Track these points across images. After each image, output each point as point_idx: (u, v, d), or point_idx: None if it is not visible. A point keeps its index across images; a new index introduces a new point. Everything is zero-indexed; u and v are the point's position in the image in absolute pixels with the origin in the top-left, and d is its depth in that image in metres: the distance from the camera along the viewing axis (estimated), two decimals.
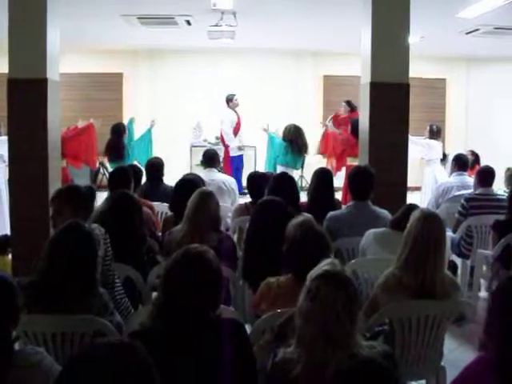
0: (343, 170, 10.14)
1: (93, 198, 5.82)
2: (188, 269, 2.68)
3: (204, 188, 5.02)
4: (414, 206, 4.48)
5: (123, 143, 10.19)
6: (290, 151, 10.41)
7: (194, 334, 2.63)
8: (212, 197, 4.76)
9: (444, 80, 15.45)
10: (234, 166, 12.57)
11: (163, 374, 2.14)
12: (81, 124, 10.26)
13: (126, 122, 12.97)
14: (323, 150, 11.54)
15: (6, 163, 8.53)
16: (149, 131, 10.97)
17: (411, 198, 6.42)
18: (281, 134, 10.94)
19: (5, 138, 7.62)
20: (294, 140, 10.46)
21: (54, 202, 4.30)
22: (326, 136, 11.38)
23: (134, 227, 4.71)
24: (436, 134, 10.64)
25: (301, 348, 2.60)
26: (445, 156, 12.49)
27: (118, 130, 10.28)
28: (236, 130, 12.78)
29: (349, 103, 11.37)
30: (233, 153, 12.78)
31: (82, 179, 12.02)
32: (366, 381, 2.08)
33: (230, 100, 12.77)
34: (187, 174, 6.19)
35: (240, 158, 13.00)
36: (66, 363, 1.95)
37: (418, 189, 10.85)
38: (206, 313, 2.68)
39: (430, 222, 3.68)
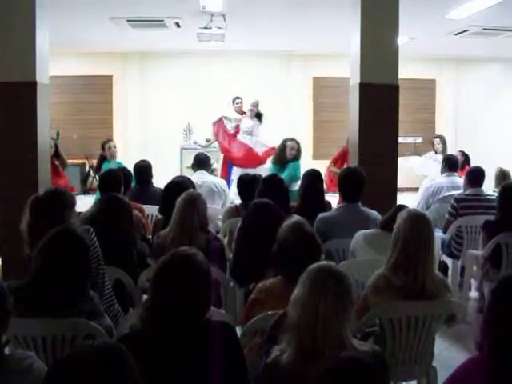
0: None
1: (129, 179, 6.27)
2: (177, 271, 2.67)
3: (190, 190, 5.01)
4: (403, 207, 4.49)
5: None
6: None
7: (184, 336, 2.62)
8: (199, 198, 4.76)
9: (434, 81, 15.48)
10: (230, 167, 12.25)
11: (153, 377, 2.15)
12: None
13: (115, 123, 13.00)
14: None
15: None
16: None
17: (401, 199, 6.43)
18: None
19: None
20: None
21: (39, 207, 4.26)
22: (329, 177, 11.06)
23: (124, 230, 4.71)
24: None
25: (291, 335, 2.62)
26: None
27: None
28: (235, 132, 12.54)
29: None
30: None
31: (72, 182, 12.01)
32: (354, 380, 2.09)
33: (233, 102, 12.59)
34: (176, 177, 6.18)
35: None
36: (51, 365, 1.95)
37: (408, 190, 10.88)
38: (196, 315, 2.67)
39: (418, 222, 3.69)
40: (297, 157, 8.93)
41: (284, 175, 7.76)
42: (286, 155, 8.90)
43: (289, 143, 8.99)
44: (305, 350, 2.57)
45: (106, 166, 8.72)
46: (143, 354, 2.11)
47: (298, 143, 9.03)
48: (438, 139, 10.54)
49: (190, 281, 2.66)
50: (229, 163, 12.16)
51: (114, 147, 9.04)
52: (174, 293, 2.62)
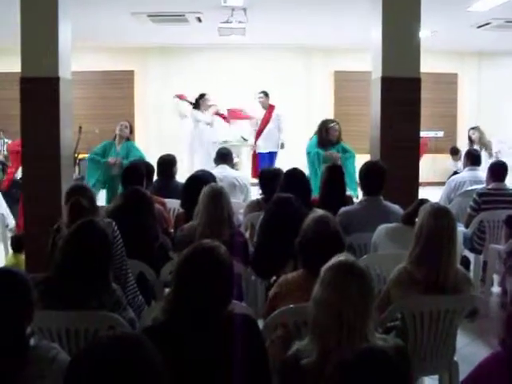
0: None
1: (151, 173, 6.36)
2: (200, 264, 2.68)
3: (213, 184, 5.01)
4: (425, 201, 4.47)
5: None
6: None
7: (206, 329, 2.63)
8: (223, 191, 4.77)
9: (455, 75, 15.39)
10: (261, 164, 11.86)
11: (175, 369, 2.16)
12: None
13: (137, 117, 13.04)
14: None
15: None
16: None
17: (423, 193, 6.40)
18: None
19: None
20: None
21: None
22: None
23: (146, 223, 4.73)
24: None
25: (315, 337, 2.61)
26: (457, 151, 12.47)
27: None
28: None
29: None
30: (259, 149, 12.27)
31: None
32: (374, 372, 2.09)
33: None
34: (197, 171, 6.20)
35: (266, 157, 12.24)
36: (73, 356, 1.97)
37: (430, 184, 10.83)
38: (218, 308, 2.69)
39: (441, 216, 3.66)
40: (340, 138, 9.11)
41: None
42: (330, 137, 8.91)
43: (331, 125, 9.06)
44: (329, 351, 2.56)
45: (105, 147, 8.76)
46: (165, 347, 2.12)
47: (338, 124, 9.19)
48: (472, 130, 10.52)
49: (213, 273, 2.66)
50: (260, 162, 12.09)
51: (126, 127, 8.98)
52: (197, 285, 2.63)
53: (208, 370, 2.58)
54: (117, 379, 1.84)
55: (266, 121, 12.01)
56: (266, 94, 12.06)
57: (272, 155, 12.03)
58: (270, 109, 12.00)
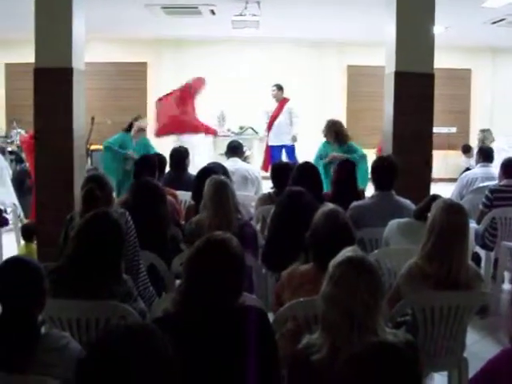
0: None
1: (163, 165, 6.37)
2: (212, 256, 2.69)
3: (216, 176, 4.98)
4: (437, 197, 4.45)
5: None
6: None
7: (217, 321, 2.64)
8: (227, 182, 4.76)
9: (469, 70, 15.33)
10: (273, 156, 11.89)
11: (185, 361, 2.17)
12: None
13: (150, 109, 13.08)
14: None
15: None
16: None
17: (435, 189, 6.38)
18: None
19: None
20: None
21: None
22: None
23: (157, 214, 4.73)
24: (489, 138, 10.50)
25: (325, 332, 2.61)
26: (469, 148, 12.43)
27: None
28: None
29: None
30: (270, 142, 12.24)
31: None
32: (385, 365, 2.09)
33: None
34: (209, 163, 6.21)
35: (279, 150, 12.17)
36: (85, 346, 1.98)
37: (442, 180, 10.80)
38: (229, 300, 2.69)
39: (454, 211, 3.66)
40: (346, 138, 8.83)
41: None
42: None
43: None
44: (339, 347, 2.56)
45: (123, 140, 8.73)
46: (176, 338, 2.13)
47: (336, 124, 9.04)
48: (480, 131, 10.54)
49: (225, 265, 2.66)
50: (271, 155, 12.05)
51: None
52: (209, 277, 2.63)
53: (218, 361, 2.59)
54: (128, 370, 1.85)
55: (276, 114, 12.01)
56: (279, 87, 12.04)
57: (288, 149, 11.99)
58: (282, 102, 11.99)
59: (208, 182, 4.73)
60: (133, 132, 8.75)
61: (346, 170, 5.87)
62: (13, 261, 2.75)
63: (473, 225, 6.35)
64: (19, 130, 12.04)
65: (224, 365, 2.61)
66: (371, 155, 9.27)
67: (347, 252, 2.72)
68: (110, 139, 8.81)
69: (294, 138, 11.90)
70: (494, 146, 10.16)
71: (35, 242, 6.68)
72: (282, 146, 11.95)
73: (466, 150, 12.77)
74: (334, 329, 2.58)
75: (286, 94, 12.12)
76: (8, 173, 9.08)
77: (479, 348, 4.96)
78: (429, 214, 3.82)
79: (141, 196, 4.79)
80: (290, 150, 12.00)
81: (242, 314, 2.72)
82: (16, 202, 8.85)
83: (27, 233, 6.99)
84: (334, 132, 8.28)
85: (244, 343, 2.62)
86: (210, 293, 2.62)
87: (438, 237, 3.62)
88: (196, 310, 2.64)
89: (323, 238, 3.51)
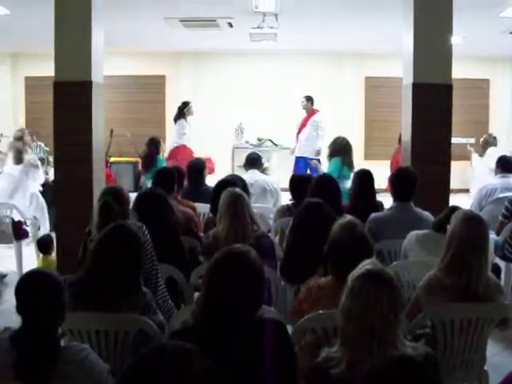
0: None
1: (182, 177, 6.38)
2: (231, 269, 2.68)
3: (231, 188, 4.98)
4: (456, 208, 4.43)
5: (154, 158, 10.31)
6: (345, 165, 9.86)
7: (236, 334, 2.64)
8: (242, 194, 4.76)
9: (487, 80, 15.25)
10: (298, 168, 11.94)
11: None
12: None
13: (168, 122, 13.17)
14: None
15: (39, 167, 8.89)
16: None
17: (454, 200, 6.36)
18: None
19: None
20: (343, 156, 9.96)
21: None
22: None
23: (166, 223, 4.70)
24: (492, 143, 10.48)
25: (344, 347, 2.60)
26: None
27: (155, 143, 10.38)
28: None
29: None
30: (296, 152, 12.26)
31: (125, 180, 12.21)
32: (405, 380, 2.08)
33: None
34: (226, 176, 6.22)
35: (301, 161, 12.16)
36: (127, 367, 1.99)
37: (461, 191, 10.74)
38: (248, 313, 2.69)
39: (474, 223, 3.64)
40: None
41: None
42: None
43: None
44: (359, 361, 2.54)
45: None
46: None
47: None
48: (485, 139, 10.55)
49: (244, 278, 2.66)
50: (295, 166, 12.05)
51: None
52: (228, 290, 2.63)
53: (237, 374, 2.59)
54: None
55: (302, 125, 12.04)
56: (307, 98, 12.15)
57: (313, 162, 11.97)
58: (310, 113, 12.04)
59: (223, 195, 4.74)
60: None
61: (364, 182, 5.86)
62: (33, 274, 2.76)
63: (492, 236, 6.31)
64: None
65: (243, 377, 2.60)
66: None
67: (366, 265, 2.71)
68: None
69: (317, 152, 11.86)
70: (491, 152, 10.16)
71: (53, 254, 6.73)
72: (306, 158, 11.91)
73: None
74: (353, 343, 2.56)
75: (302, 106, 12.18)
76: (30, 185, 9.16)
77: (500, 360, 4.93)
78: (448, 226, 3.80)
79: (146, 206, 4.76)
80: (300, 162, 12.02)
81: (261, 326, 2.72)
82: (39, 214, 8.92)
83: (43, 245, 7.05)
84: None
85: (262, 355, 2.62)
86: (229, 305, 2.62)
87: (457, 248, 3.60)
88: (215, 323, 2.64)
89: (340, 249, 3.50)
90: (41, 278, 2.69)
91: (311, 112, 12.08)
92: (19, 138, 9.96)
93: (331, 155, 8.60)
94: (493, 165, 8.22)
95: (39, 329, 2.57)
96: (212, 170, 10.89)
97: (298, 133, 12.13)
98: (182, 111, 11.67)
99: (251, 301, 2.69)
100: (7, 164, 9.48)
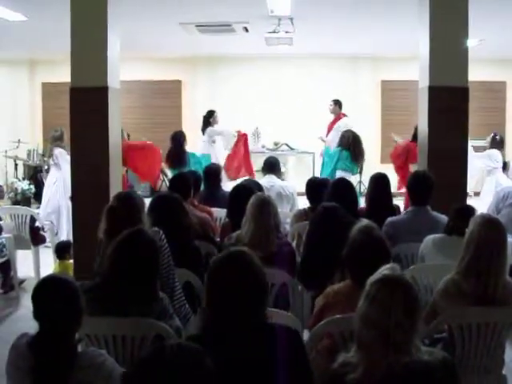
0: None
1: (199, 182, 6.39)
2: (228, 269, 2.67)
3: (259, 193, 5.02)
4: (460, 208, 4.48)
5: (184, 150, 10.30)
6: (349, 158, 10.26)
7: (242, 339, 2.62)
8: (271, 200, 4.78)
9: (504, 83, 15.17)
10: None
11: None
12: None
13: (184, 126, 13.19)
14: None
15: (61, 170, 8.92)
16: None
17: (471, 203, 6.32)
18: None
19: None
20: (352, 148, 10.28)
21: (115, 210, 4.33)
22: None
23: (180, 225, 4.69)
24: (498, 143, 10.41)
25: (361, 352, 2.58)
26: (505, 165, 12.23)
27: (179, 138, 10.38)
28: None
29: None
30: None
31: (141, 185, 12.24)
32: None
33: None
34: (243, 181, 6.22)
35: None
36: (133, 363, 2.00)
37: (477, 194, 10.68)
38: (252, 314, 2.65)
39: (492, 227, 3.62)
40: None
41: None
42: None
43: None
44: (375, 366, 2.53)
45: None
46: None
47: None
48: (492, 136, 10.48)
49: (241, 278, 2.63)
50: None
51: None
52: (225, 291, 2.62)
53: (246, 380, 2.57)
54: None
55: (329, 129, 12.07)
56: (335, 102, 12.14)
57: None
58: (336, 117, 12.05)
59: (252, 199, 4.76)
60: None
61: (380, 186, 5.84)
62: (50, 279, 2.78)
63: (510, 239, 6.26)
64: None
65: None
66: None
67: (385, 270, 2.70)
68: None
69: None
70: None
71: (71, 259, 6.77)
72: None
73: (503, 165, 12.56)
74: (368, 348, 2.55)
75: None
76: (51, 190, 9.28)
77: None
78: (466, 230, 3.78)
79: (161, 209, 4.75)
80: None
81: (271, 332, 2.69)
82: (54, 219, 8.98)
83: (60, 251, 7.09)
84: None
85: (274, 363, 2.60)
86: (229, 308, 2.60)
87: (474, 252, 3.58)
88: (219, 326, 2.63)
89: (358, 254, 3.49)
90: (57, 284, 2.70)
91: (337, 116, 12.09)
92: (59, 138, 9.67)
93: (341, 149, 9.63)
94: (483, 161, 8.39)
95: (56, 334, 2.59)
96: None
97: (326, 136, 12.19)
98: (208, 120, 11.65)
99: (252, 305, 2.65)
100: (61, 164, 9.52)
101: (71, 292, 2.68)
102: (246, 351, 2.59)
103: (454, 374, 2.58)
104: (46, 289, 2.69)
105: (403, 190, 8.54)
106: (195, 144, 11.81)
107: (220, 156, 11.48)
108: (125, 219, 4.10)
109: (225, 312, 2.62)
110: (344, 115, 12.13)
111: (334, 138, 11.80)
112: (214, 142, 11.61)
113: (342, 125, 11.90)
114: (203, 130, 11.64)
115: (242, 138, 11.72)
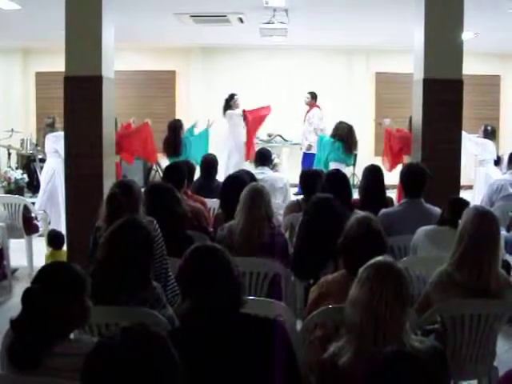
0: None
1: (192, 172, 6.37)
2: (197, 263, 2.70)
3: (254, 183, 5.03)
4: (453, 200, 4.50)
5: (180, 139, 10.24)
6: (342, 148, 10.25)
7: (220, 329, 2.61)
8: (264, 190, 4.78)
9: (498, 77, 15.19)
10: (302, 163, 12.29)
11: (194, 373, 2.17)
12: (135, 123, 10.36)
13: (178, 117, 13.16)
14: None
15: (62, 158, 8.81)
16: (206, 130, 10.96)
17: (464, 196, 6.34)
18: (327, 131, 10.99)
19: (61, 134, 7.80)
20: (346, 139, 10.28)
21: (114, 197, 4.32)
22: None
23: (175, 214, 4.68)
24: (490, 134, 10.42)
25: (350, 335, 2.60)
26: (499, 159, 12.25)
27: (175, 126, 10.33)
28: None
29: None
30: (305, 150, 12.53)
31: (135, 176, 12.22)
32: (404, 375, 2.09)
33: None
34: (235, 172, 6.22)
35: (307, 156, 12.45)
36: (92, 349, 2.00)
37: (470, 187, 10.70)
38: (224, 309, 2.65)
39: (485, 219, 3.63)
40: None
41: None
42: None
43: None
44: (364, 351, 2.55)
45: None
46: (182, 349, 2.11)
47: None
48: (484, 127, 10.51)
49: (211, 270, 2.66)
50: (302, 161, 12.31)
51: None
52: (197, 284, 2.64)
53: (227, 372, 2.54)
54: (136, 375, 1.86)
55: (303, 121, 12.21)
56: (312, 95, 12.28)
57: (307, 156, 12.28)
58: (309, 109, 12.21)
59: (245, 189, 4.77)
60: None
61: (374, 178, 5.85)
62: (54, 266, 2.80)
63: (503, 232, 6.29)
64: None
65: (233, 375, 2.55)
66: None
67: (377, 258, 2.73)
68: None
69: (309, 147, 12.22)
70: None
71: (62, 248, 6.77)
72: (309, 154, 12.08)
73: (496, 162, 12.56)
74: (358, 330, 2.57)
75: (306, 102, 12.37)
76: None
77: (509, 356, 4.91)
78: (460, 221, 3.79)
79: (154, 198, 4.74)
80: (307, 158, 12.13)
81: (250, 325, 2.67)
82: (47, 209, 8.96)
83: (52, 239, 7.08)
84: None
85: (255, 355, 2.58)
86: (203, 302, 2.62)
87: (468, 244, 3.59)
88: (192, 320, 2.64)
89: (356, 244, 3.50)
90: (64, 270, 2.72)
91: (311, 107, 12.26)
92: (51, 125, 9.70)
93: (334, 140, 9.77)
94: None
95: (55, 322, 2.59)
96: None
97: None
98: (229, 103, 11.86)
99: (225, 296, 2.65)
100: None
101: (77, 277, 2.71)
102: (221, 343, 2.58)
103: (444, 360, 2.60)
104: (51, 275, 2.70)
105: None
106: None
107: (243, 138, 11.75)
108: (125, 207, 4.11)
109: (198, 305, 2.62)
110: (316, 106, 12.24)
111: (307, 127, 11.99)
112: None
113: (311, 114, 12.07)
114: (224, 112, 11.89)
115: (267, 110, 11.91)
